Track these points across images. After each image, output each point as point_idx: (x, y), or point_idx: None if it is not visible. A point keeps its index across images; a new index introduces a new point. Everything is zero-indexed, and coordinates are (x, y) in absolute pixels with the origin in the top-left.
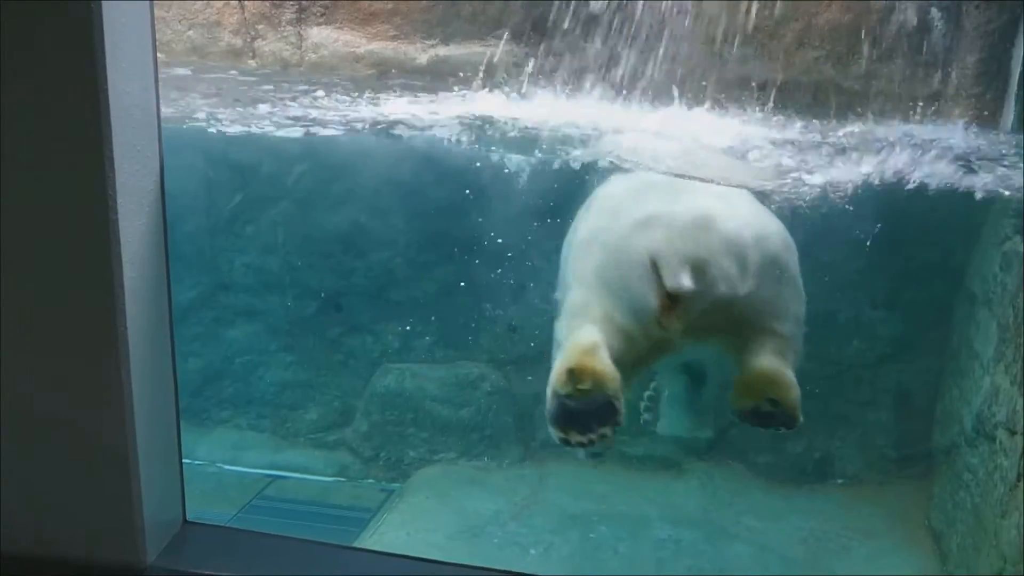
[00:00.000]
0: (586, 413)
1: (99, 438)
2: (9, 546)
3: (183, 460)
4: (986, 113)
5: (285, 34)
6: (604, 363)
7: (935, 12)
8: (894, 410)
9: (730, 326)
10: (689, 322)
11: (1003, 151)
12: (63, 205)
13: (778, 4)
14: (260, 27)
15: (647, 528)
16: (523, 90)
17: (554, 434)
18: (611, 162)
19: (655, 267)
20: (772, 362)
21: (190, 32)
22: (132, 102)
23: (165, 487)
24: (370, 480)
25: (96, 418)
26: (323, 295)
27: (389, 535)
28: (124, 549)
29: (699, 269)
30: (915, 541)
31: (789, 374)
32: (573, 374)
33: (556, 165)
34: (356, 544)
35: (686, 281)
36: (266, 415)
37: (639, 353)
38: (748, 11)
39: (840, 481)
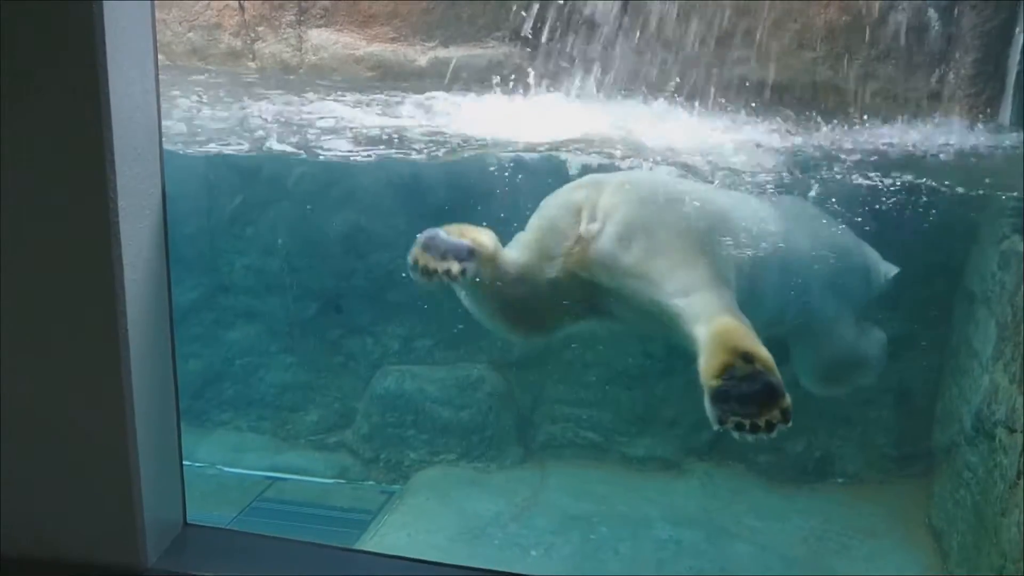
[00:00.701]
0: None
1: (99, 440)
2: (9, 548)
3: (183, 462)
4: (984, 112)
5: (285, 36)
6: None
7: (932, 13)
8: (894, 409)
9: (653, 281)
10: (598, 265)
11: (1001, 150)
12: (64, 207)
13: (777, 5)
14: (260, 29)
15: (648, 529)
16: (523, 93)
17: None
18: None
19: (578, 213)
20: (729, 318)
21: (190, 34)
22: (133, 104)
23: (165, 489)
24: (370, 482)
25: (96, 420)
26: (324, 297)
27: (390, 537)
28: (125, 551)
29: (609, 217)
30: (916, 540)
31: (751, 330)
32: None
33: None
34: (357, 546)
35: (594, 227)
36: (266, 417)
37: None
38: (746, 12)
39: (841, 480)
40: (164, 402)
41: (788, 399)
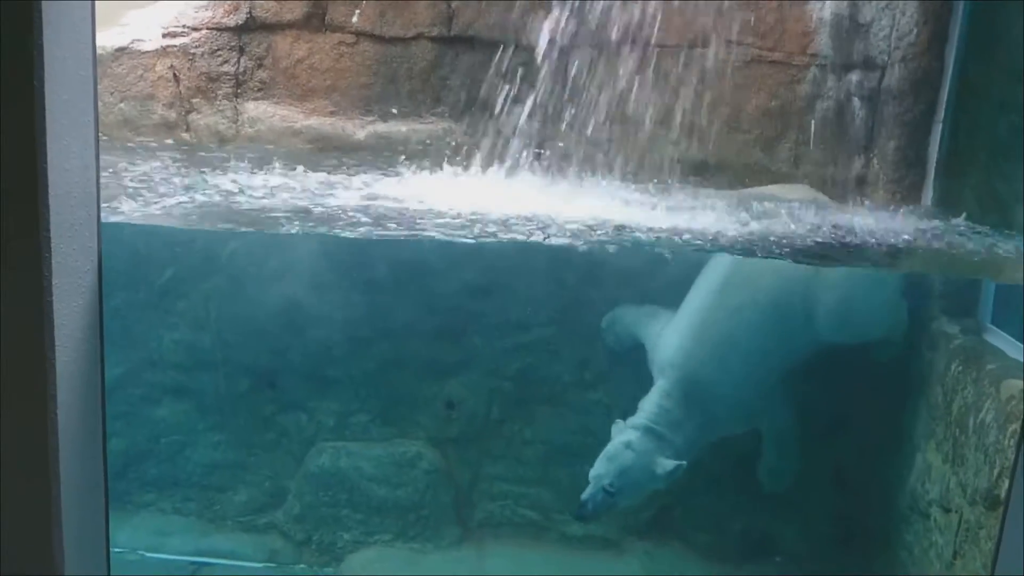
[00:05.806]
0: None
1: (23, 530)
2: None
3: None
4: (908, 197)
5: (221, 108)
6: None
7: (856, 102)
8: (832, 488)
9: None
10: None
11: (925, 233)
12: None
13: (711, 88)
14: (195, 100)
15: None
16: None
17: None
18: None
19: None
20: None
21: (122, 104)
22: (71, 179)
23: None
24: (302, 565)
25: (22, 509)
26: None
27: None
28: None
29: None
30: None
31: None
32: None
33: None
34: None
35: None
36: (193, 498)
37: None
38: (681, 94)
39: (779, 560)
40: (93, 490)
41: None
